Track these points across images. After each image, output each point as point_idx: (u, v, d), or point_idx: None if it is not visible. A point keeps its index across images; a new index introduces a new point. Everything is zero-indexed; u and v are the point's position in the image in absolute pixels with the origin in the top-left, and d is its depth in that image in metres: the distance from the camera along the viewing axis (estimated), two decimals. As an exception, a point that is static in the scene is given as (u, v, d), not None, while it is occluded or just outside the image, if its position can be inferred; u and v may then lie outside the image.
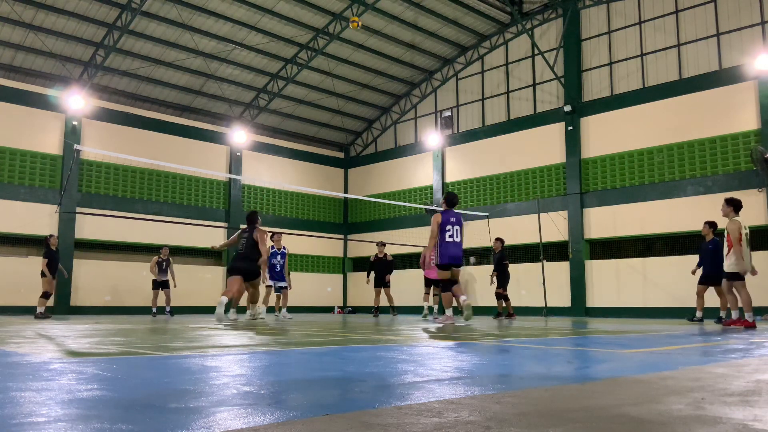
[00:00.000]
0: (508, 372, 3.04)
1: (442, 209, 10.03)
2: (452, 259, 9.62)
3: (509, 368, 3.22)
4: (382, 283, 16.12)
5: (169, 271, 15.67)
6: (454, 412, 1.80)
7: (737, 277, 9.18)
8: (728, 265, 9.21)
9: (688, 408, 1.89)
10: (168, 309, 15.46)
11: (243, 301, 11.91)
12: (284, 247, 13.54)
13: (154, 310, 15.64)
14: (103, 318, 13.22)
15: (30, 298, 17.08)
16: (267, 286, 13.50)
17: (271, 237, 13.08)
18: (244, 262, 10.06)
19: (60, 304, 17.46)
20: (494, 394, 2.19)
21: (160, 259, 15.61)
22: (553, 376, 2.85)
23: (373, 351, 4.24)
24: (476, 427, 1.59)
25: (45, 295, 13.71)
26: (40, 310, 13.52)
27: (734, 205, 9.52)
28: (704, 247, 11.70)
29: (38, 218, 17.46)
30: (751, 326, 8.87)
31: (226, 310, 10.23)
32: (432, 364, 3.39)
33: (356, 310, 23.81)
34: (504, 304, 14.52)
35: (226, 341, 5.27)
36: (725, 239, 9.47)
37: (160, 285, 15.57)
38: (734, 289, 9.35)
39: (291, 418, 1.72)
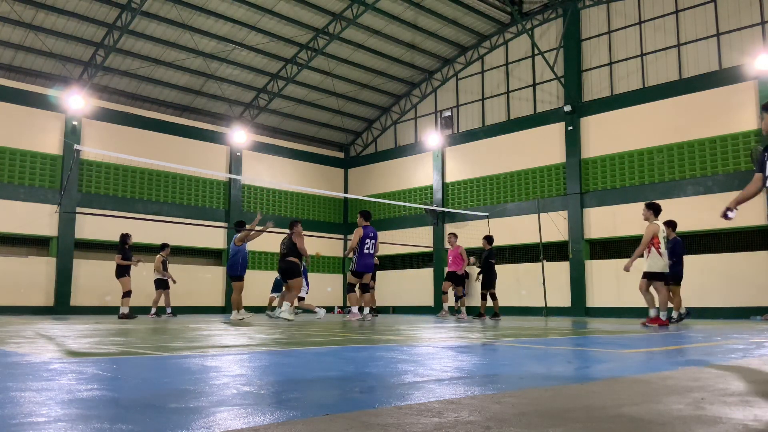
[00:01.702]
0: (508, 372, 3.04)
1: (363, 224, 11.53)
2: (366, 267, 11.47)
3: (509, 368, 3.22)
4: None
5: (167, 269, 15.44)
6: (454, 412, 1.80)
7: (659, 276, 9.72)
8: (649, 265, 9.76)
9: (688, 408, 1.89)
10: (170, 309, 15.29)
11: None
12: None
13: (153, 310, 15.27)
14: (103, 318, 13.23)
15: (30, 298, 17.12)
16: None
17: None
18: (282, 263, 11.25)
19: (60, 304, 17.47)
20: (494, 394, 2.19)
21: (164, 258, 15.36)
22: (553, 376, 2.85)
23: (373, 351, 4.24)
24: (476, 427, 1.59)
25: (128, 294, 13.65)
26: (124, 310, 13.39)
27: (654, 209, 10.07)
28: (666, 247, 11.58)
29: (38, 218, 17.46)
30: (664, 324, 9.45)
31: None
32: (432, 364, 3.39)
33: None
34: (488, 304, 14.03)
35: (226, 341, 5.27)
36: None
37: (159, 285, 15.28)
38: (653, 288, 9.87)
39: (291, 418, 1.72)
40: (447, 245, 13.63)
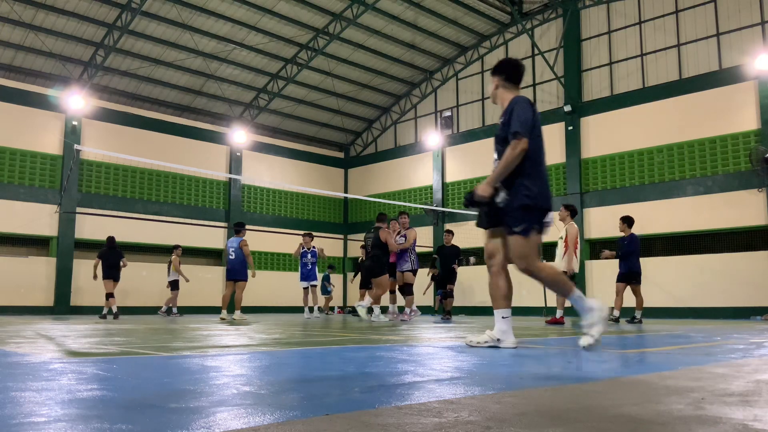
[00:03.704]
0: (508, 372, 3.04)
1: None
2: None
3: (509, 368, 3.22)
4: (366, 284, 16.32)
5: (172, 270, 15.89)
6: (454, 412, 1.80)
7: (571, 276, 9.90)
8: (562, 265, 9.98)
9: (688, 408, 1.88)
10: (175, 310, 15.71)
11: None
12: (314, 247, 13.85)
13: (163, 309, 15.70)
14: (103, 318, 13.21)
15: (30, 298, 17.11)
16: (304, 288, 13.80)
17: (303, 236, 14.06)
18: (369, 261, 11.12)
19: (60, 304, 17.47)
20: (494, 394, 2.19)
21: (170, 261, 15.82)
22: (553, 376, 2.85)
23: (373, 351, 4.23)
24: (476, 427, 1.59)
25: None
26: (115, 309, 13.38)
27: (571, 211, 10.28)
28: (620, 243, 11.06)
29: (38, 218, 17.46)
30: (558, 322, 9.80)
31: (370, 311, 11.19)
32: (432, 364, 3.38)
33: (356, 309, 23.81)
34: (448, 303, 12.82)
35: (226, 341, 5.27)
36: (562, 241, 10.15)
37: (170, 285, 15.74)
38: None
39: (291, 418, 1.72)
40: (399, 228, 11.83)
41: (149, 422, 1.67)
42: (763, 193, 15.32)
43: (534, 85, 20.42)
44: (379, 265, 10.82)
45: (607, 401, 2.06)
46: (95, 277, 13.66)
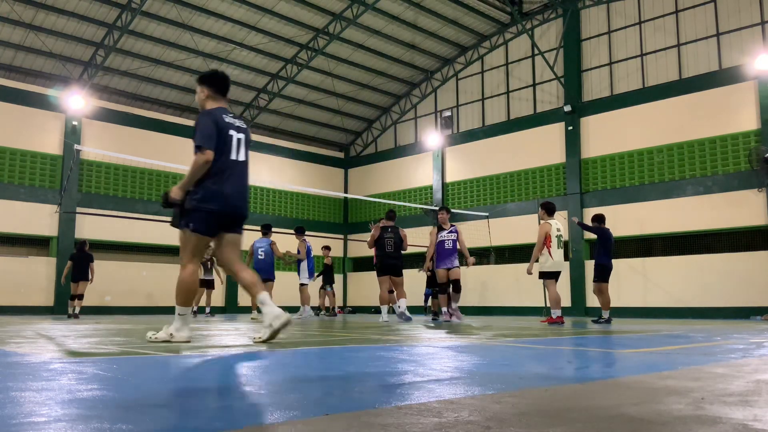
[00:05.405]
0: (508, 372, 3.04)
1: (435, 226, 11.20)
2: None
3: (509, 368, 3.22)
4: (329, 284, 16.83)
5: (214, 270, 15.89)
6: (454, 412, 1.80)
7: (548, 275, 9.90)
8: (540, 264, 9.97)
9: (688, 408, 1.88)
10: (208, 309, 15.76)
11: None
12: (305, 241, 13.81)
13: (194, 309, 15.70)
14: (103, 318, 13.22)
15: (30, 298, 17.11)
16: (301, 284, 13.57)
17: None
18: (396, 260, 10.93)
19: (60, 304, 17.47)
20: (494, 394, 2.19)
21: (204, 259, 15.73)
22: (553, 376, 2.85)
23: (373, 351, 4.23)
24: (476, 427, 1.59)
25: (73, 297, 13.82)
26: (78, 311, 13.55)
27: (546, 209, 10.27)
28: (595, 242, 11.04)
29: (38, 218, 17.47)
30: (556, 322, 9.47)
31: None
32: (432, 364, 3.38)
33: (356, 310, 23.81)
34: (438, 301, 12.07)
35: (226, 341, 5.28)
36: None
37: (204, 284, 15.69)
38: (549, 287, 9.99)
39: (291, 418, 1.72)
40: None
41: (149, 422, 1.67)
42: (763, 193, 15.32)
43: (534, 85, 20.43)
44: (401, 264, 10.89)
45: (607, 401, 2.06)
46: (63, 280, 14.08)
